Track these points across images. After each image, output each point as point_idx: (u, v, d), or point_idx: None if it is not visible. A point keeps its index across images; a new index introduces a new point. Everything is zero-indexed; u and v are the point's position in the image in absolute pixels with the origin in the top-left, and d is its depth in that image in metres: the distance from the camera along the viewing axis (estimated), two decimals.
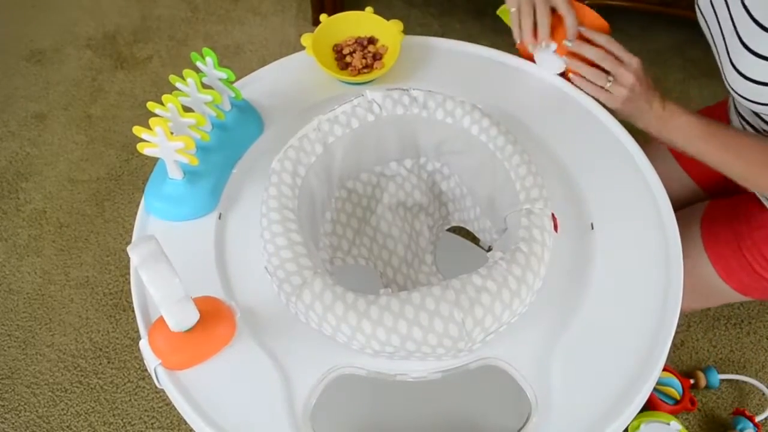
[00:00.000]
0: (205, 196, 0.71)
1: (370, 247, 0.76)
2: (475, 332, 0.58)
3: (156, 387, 0.60)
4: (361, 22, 0.87)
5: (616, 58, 0.77)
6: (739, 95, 0.74)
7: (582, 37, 0.79)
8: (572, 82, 0.82)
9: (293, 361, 0.61)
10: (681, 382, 1.09)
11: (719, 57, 0.78)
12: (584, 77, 0.79)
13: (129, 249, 0.53)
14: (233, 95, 0.75)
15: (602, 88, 0.78)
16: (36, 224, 1.37)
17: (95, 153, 1.50)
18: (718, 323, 1.22)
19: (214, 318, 0.60)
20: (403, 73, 0.85)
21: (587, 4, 0.82)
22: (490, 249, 0.72)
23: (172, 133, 0.66)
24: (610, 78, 0.77)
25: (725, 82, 0.76)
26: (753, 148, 0.76)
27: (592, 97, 0.80)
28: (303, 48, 0.85)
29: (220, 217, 0.71)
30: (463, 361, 0.61)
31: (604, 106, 0.81)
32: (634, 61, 0.77)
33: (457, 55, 0.88)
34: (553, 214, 0.65)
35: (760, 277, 0.88)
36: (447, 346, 0.57)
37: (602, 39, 0.78)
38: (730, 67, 0.74)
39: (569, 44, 0.79)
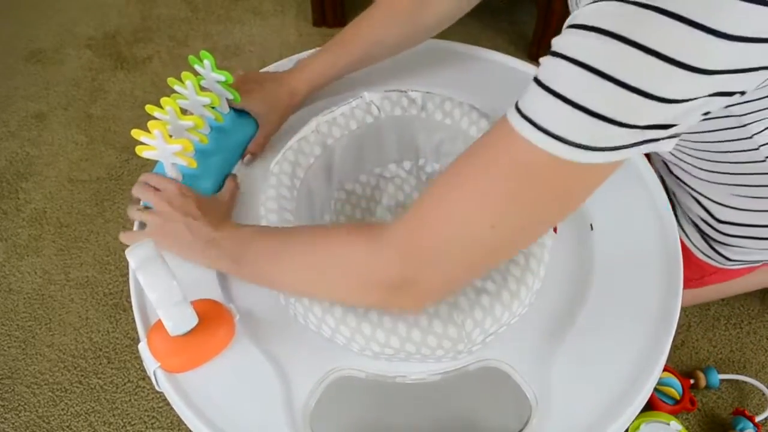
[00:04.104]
0: None
1: None
2: (475, 334, 0.58)
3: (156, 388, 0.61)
4: None
5: (154, 187, 0.69)
6: None
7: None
8: None
9: (292, 363, 0.61)
10: (681, 382, 1.09)
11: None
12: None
13: (126, 252, 0.53)
14: (231, 97, 0.75)
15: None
16: (36, 224, 1.37)
17: (95, 153, 1.50)
18: (718, 323, 1.22)
19: (213, 321, 0.60)
20: (401, 74, 0.85)
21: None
22: None
23: (170, 136, 0.66)
24: (140, 207, 0.70)
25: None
26: (305, 242, 0.59)
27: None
28: (303, 49, 0.84)
29: None
30: (463, 363, 0.61)
31: None
32: (169, 187, 0.68)
33: (456, 56, 0.88)
34: None
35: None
36: (446, 347, 0.57)
37: (144, 176, 0.72)
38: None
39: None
